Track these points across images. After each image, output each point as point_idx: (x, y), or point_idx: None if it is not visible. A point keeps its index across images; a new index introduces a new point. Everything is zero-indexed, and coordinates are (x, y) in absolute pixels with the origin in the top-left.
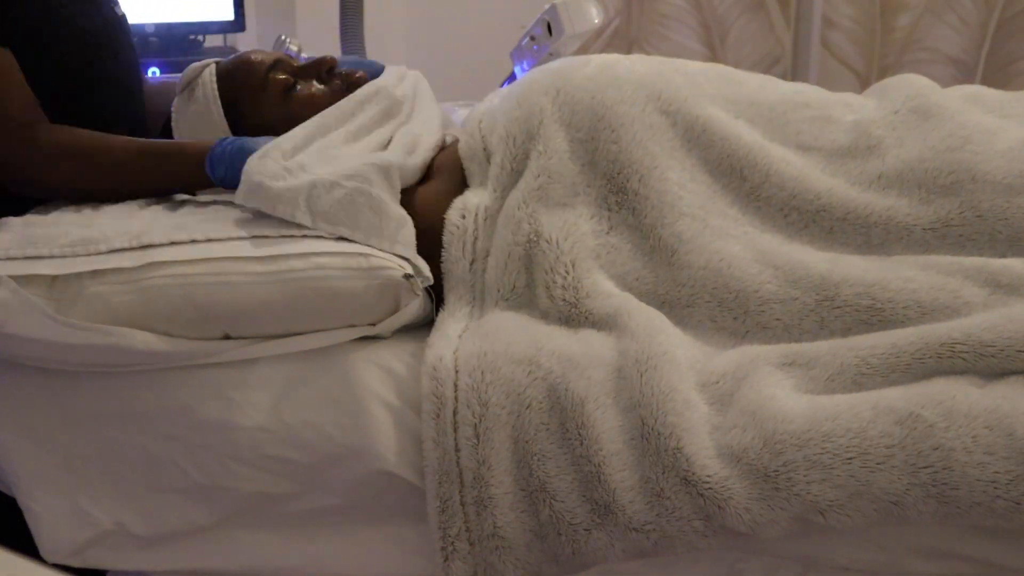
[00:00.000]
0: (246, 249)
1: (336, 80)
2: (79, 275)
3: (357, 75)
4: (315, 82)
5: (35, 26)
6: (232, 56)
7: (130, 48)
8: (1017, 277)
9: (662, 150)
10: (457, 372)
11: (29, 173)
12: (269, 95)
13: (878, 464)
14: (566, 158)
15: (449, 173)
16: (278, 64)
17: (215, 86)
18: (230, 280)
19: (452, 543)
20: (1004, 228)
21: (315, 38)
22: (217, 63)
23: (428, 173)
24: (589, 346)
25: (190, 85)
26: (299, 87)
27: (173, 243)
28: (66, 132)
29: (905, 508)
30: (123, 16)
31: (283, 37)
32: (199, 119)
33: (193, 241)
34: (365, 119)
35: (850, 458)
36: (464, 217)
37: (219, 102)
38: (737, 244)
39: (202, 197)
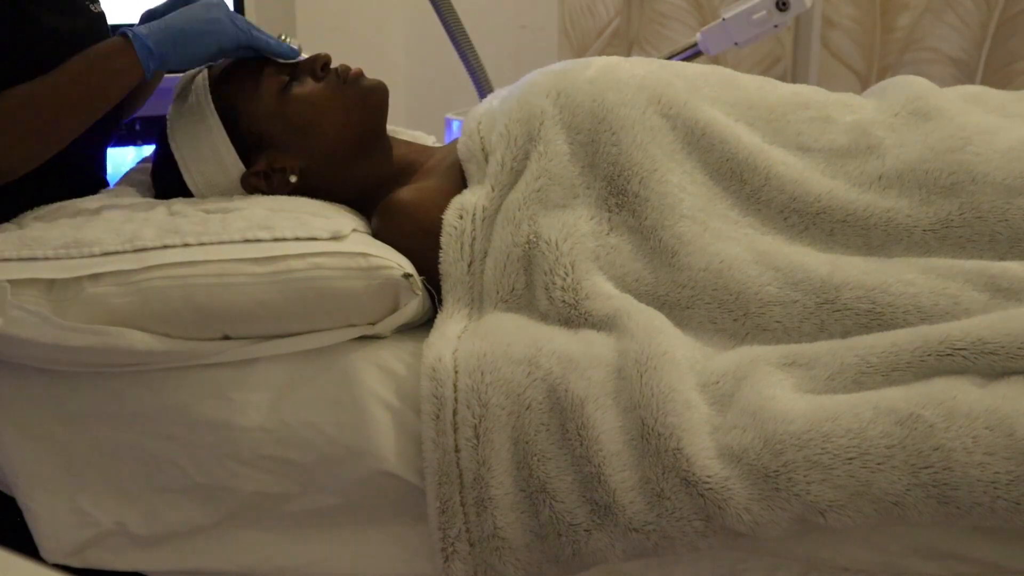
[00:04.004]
0: (240, 251)
1: (332, 76)
2: (78, 277)
3: (352, 71)
4: (310, 79)
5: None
6: (225, 59)
7: None
8: (1018, 281)
9: (662, 153)
10: (457, 373)
11: None
12: (264, 95)
13: (878, 464)
14: (566, 160)
15: (447, 173)
16: (271, 64)
17: (208, 90)
18: (229, 281)
19: (452, 544)
20: (1005, 229)
21: (315, 38)
22: (210, 67)
23: (425, 172)
24: (589, 346)
25: (183, 92)
26: (294, 86)
27: (166, 246)
28: None
29: (905, 508)
30: (101, 14)
31: (283, 37)
32: (194, 125)
33: (186, 244)
34: None
35: (850, 458)
36: (462, 218)
37: (213, 106)
38: (737, 246)
39: (200, 201)
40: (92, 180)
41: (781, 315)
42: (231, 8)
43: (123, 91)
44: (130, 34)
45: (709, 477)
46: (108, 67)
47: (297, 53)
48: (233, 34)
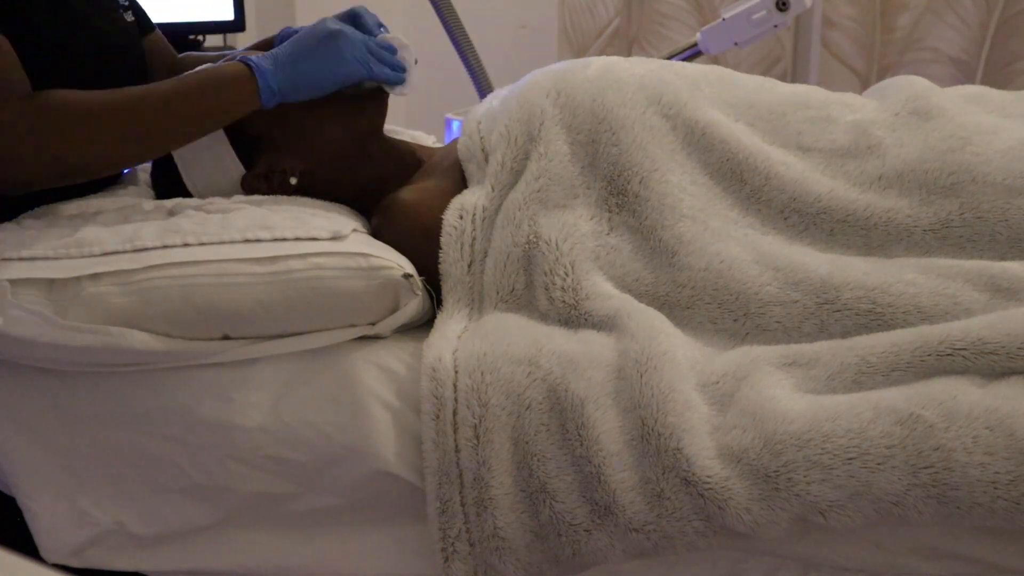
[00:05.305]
0: (241, 251)
1: None
2: (78, 277)
3: None
4: None
5: (47, 22)
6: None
7: (141, 56)
8: (1018, 281)
9: (662, 153)
10: (457, 373)
11: (37, 143)
12: None
13: (878, 464)
14: (566, 160)
15: (447, 173)
16: None
17: None
18: (229, 281)
19: (452, 544)
20: (1005, 229)
21: None
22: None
23: (425, 172)
24: (589, 346)
25: None
26: None
27: (166, 246)
28: (75, 92)
29: (905, 508)
30: (133, 24)
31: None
32: None
33: (186, 244)
34: None
35: (850, 458)
36: (462, 218)
37: None
38: (738, 246)
39: (200, 201)
40: (101, 180)
41: (781, 315)
42: (231, 8)
43: (234, 119)
44: (254, 67)
45: (709, 477)
46: (226, 95)
47: (402, 80)
48: (354, 72)
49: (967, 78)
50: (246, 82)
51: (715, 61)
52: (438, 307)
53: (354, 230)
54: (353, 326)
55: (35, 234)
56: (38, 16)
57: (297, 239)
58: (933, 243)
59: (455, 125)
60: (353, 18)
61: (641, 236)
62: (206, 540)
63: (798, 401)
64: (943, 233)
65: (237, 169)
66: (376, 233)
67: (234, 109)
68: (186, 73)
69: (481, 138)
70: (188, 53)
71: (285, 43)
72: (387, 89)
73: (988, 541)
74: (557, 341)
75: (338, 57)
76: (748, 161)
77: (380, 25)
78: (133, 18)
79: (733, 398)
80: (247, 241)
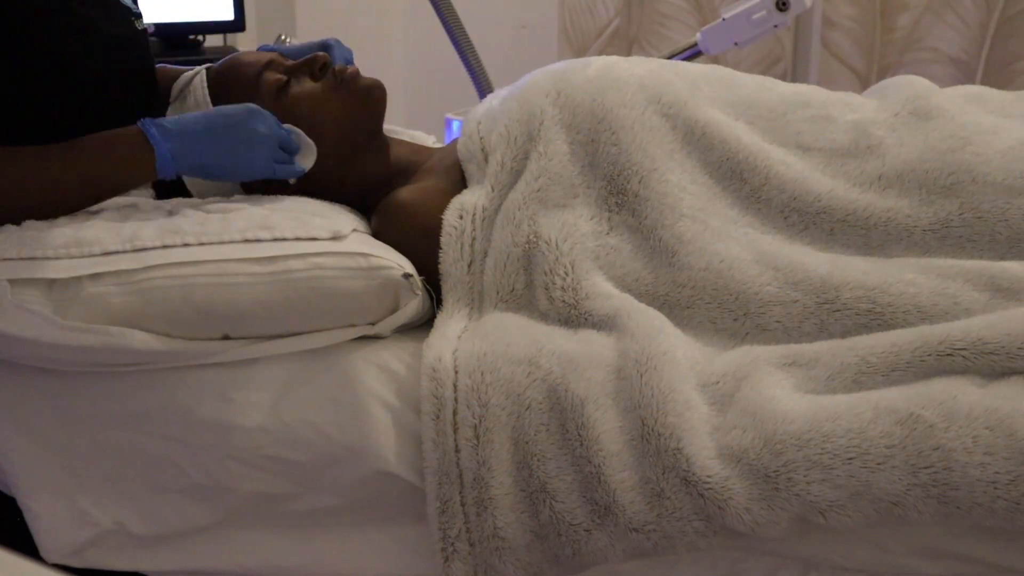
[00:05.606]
0: (240, 251)
1: (329, 76)
2: (78, 277)
3: (349, 71)
4: (308, 80)
5: (45, 24)
6: (222, 59)
7: (149, 63)
8: (1018, 281)
9: (662, 152)
10: (457, 373)
11: None
12: (262, 96)
13: (878, 464)
14: (566, 160)
15: (446, 173)
16: (270, 64)
17: (207, 92)
18: (229, 281)
19: (452, 544)
20: (1004, 229)
21: (315, 38)
22: (208, 68)
23: (425, 172)
24: (589, 346)
25: (182, 94)
26: (292, 86)
27: (166, 246)
28: None
29: (905, 508)
30: (145, 30)
31: (283, 36)
32: None
33: (186, 244)
34: None
35: (850, 458)
36: (462, 218)
37: (211, 107)
38: (737, 246)
39: (200, 201)
40: None
41: (781, 315)
42: (231, 8)
43: (135, 187)
44: (149, 136)
45: (709, 477)
46: (123, 168)
47: (298, 173)
48: (259, 175)
49: (967, 78)
50: (142, 151)
51: (715, 61)
52: (438, 307)
53: (354, 230)
54: (353, 326)
55: (35, 234)
56: (35, 18)
57: (297, 239)
58: (933, 243)
59: (455, 125)
60: (324, 48)
61: (641, 236)
62: (206, 540)
63: (798, 401)
64: (943, 233)
65: None
66: (376, 233)
67: (132, 181)
68: (87, 138)
69: (481, 138)
70: (162, 66)
71: (198, 116)
72: None
73: (988, 541)
74: (557, 341)
75: (249, 161)
76: (748, 160)
77: (348, 62)
78: (144, 27)
79: (733, 398)
80: (247, 241)
